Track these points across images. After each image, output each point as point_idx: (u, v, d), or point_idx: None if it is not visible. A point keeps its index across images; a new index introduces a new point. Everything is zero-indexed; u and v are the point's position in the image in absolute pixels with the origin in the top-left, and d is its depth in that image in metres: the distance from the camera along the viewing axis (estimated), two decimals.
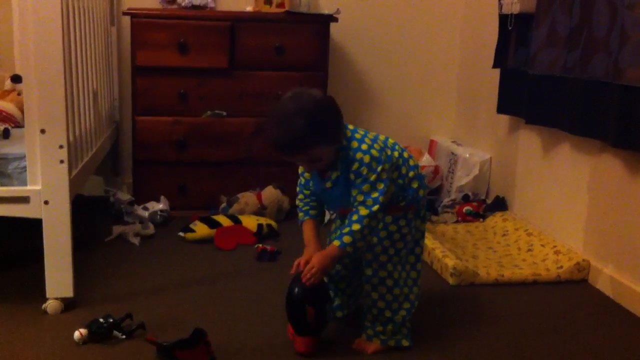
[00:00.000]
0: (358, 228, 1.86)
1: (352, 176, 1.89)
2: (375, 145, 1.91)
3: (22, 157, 2.11)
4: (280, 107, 1.89)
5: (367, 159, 1.88)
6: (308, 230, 2.03)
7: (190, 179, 3.34)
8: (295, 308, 1.94)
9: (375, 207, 1.86)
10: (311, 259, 1.92)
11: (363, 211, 1.86)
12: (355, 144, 1.90)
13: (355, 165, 1.88)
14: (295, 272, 1.94)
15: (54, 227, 2.11)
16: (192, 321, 2.08)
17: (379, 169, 1.88)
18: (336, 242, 1.88)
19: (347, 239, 1.86)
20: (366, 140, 1.91)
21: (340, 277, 2.16)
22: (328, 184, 1.94)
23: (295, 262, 1.96)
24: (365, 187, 1.87)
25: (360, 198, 1.88)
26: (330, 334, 2.07)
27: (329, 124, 1.86)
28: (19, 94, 2.85)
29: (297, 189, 2.08)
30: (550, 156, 2.92)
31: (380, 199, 1.86)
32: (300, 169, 2.06)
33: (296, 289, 1.92)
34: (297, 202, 2.08)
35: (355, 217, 1.87)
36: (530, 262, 2.74)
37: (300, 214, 2.05)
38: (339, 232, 1.91)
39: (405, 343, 2.03)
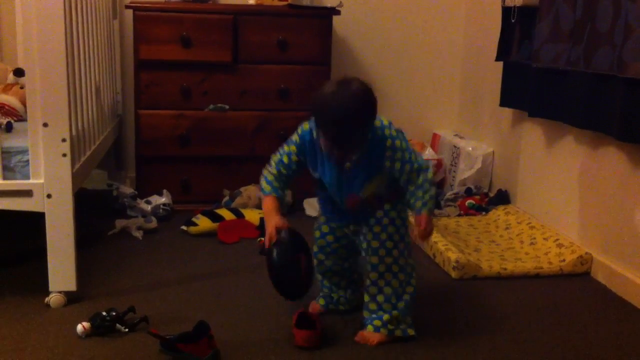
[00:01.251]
0: (434, 192, 1.97)
1: (388, 152, 1.92)
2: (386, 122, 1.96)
3: (24, 151, 2.11)
4: (336, 93, 1.85)
5: (394, 132, 1.94)
6: (272, 202, 1.98)
7: (193, 173, 3.34)
8: (287, 262, 1.92)
9: (430, 170, 1.98)
10: (419, 224, 1.93)
11: (425, 175, 1.96)
12: (378, 123, 1.92)
13: (389, 142, 1.92)
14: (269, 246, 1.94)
15: (56, 221, 2.11)
16: (195, 315, 2.08)
17: (406, 140, 1.96)
18: (425, 212, 1.93)
19: (431, 203, 1.95)
20: (382, 118, 1.95)
21: (333, 272, 2.17)
22: (347, 165, 1.92)
23: (268, 234, 1.94)
24: (410, 156, 1.94)
25: (409, 167, 1.93)
26: (330, 328, 2.08)
27: (375, 110, 1.89)
28: (21, 88, 2.85)
29: (273, 163, 2.01)
30: (554, 149, 2.92)
31: (425, 162, 1.98)
32: (287, 148, 2.00)
33: (280, 247, 1.91)
34: (267, 174, 2.01)
35: (425, 184, 1.95)
36: (532, 256, 2.73)
37: (268, 187, 1.99)
38: (420, 202, 1.93)
39: (411, 332, 2.03)
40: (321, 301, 2.21)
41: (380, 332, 2.01)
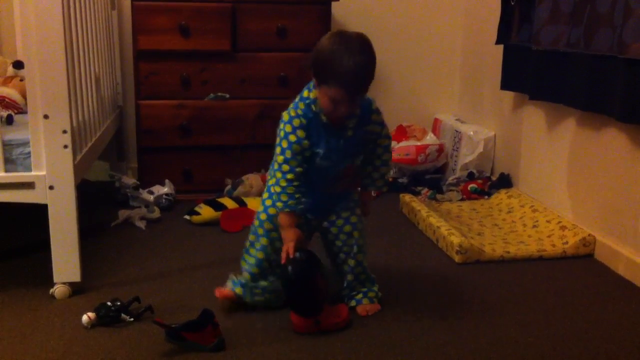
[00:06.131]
0: (388, 171, 2.15)
1: (373, 116, 2.04)
2: None
3: (26, 143, 2.11)
4: (348, 43, 1.86)
5: (377, 106, 2.06)
6: (289, 217, 1.97)
7: (195, 162, 3.34)
8: (304, 283, 1.94)
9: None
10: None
11: (390, 156, 2.14)
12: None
13: (374, 115, 2.04)
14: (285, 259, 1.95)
15: (59, 213, 2.12)
16: (199, 303, 2.08)
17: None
18: (371, 189, 2.15)
19: (381, 183, 2.16)
20: None
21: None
22: (349, 133, 1.98)
23: (285, 249, 1.95)
24: (387, 132, 2.09)
25: (386, 142, 2.10)
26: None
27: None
28: (21, 80, 2.84)
29: (291, 176, 1.95)
30: (555, 132, 2.91)
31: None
32: (295, 137, 1.93)
33: (298, 266, 1.93)
34: (286, 184, 1.95)
35: (385, 165, 2.13)
36: (535, 238, 2.74)
37: (292, 202, 1.95)
38: (370, 180, 2.13)
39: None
40: (238, 290, 2.12)
41: (375, 303, 2.15)
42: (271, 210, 2.06)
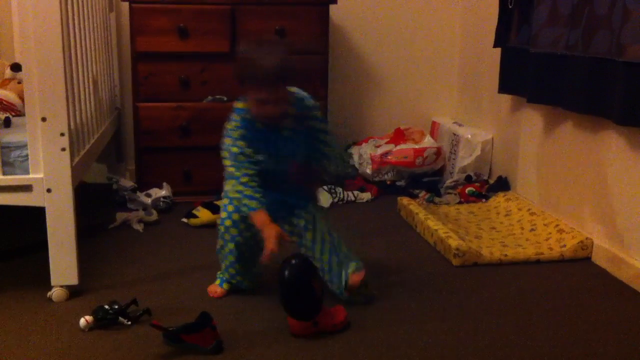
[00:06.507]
0: (339, 152, 2.28)
1: (315, 112, 2.14)
2: None
3: (23, 146, 2.11)
4: (259, 46, 2.03)
5: (315, 103, 2.15)
6: (263, 215, 2.03)
7: (194, 164, 3.34)
8: (302, 290, 1.95)
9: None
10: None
11: (335, 140, 2.27)
12: (294, 90, 2.11)
13: (314, 111, 2.14)
14: (281, 261, 1.98)
15: (57, 215, 2.11)
16: (197, 306, 2.09)
17: None
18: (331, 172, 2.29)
19: (341, 164, 2.31)
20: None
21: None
22: (285, 132, 2.09)
23: (269, 249, 1.97)
24: (326, 126, 2.21)
25: (327, 137, 2.19)
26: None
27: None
28: (19, 83, 2.84)
29: (242, 178, 2.05)
30: (553, 135, 2.91)
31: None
32: (238, 149, 2.05)
33: (293, 271, 1.94)
34: (243, 187, 2.04)
35: (337, 147, 2.28)
36: (533, 242, 2.74)
37: (253, 203, 2.03)
38: (340, 166, 2.26)
39: None
40: (225, 286, 2.27)
41: (360, 271, 2.20)
42: (235, 216, 2.14)
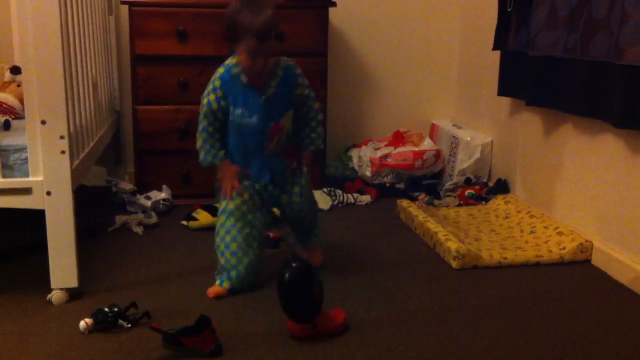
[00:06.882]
0: (322, 131, 2.38)
1: (299, 80, 2.29)
2: None
3: (23, 149, 2.11)
4: (248, 2, 2.12)
5: (301, 71, 2.30)
6: (224, 165, 2.29)
7: (193, 167, 3.33)
8: (301, 292, 1.95)
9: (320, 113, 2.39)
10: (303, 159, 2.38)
11: (320, 115, 2.37)
12: (291, 62, 2.28)
13: (300, 79, 2.29)
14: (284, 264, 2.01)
15: (57, 218, 2.11)
16: (196, 308, 2.09)
17: None
18: (312, 148, 2.36)
19: (319, 142, 2.37)
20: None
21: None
22: (271, 91, 2.22)
23: (229, 186, 2.27)
24: (312, 93, 2.33)
25: (315, 105, 2.34)
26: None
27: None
28: (18, 86, 2.84)
29: (201, 127, 2.25)
30: (552, 137, 2.92)
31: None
32: (205, 100, 2.24)
33: (293, 274, 1.94)
34: (201, 142, 2.26)
35: (319, 125, 2.35)
36: (533, 244, 2.74)
37: (212, 153, 2.26)
38: (309, 140, 2.35)
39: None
40: (226, 284, 2.30)
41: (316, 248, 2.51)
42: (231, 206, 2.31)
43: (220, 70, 2.25)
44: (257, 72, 2.17)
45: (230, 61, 2.24)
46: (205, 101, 2.24)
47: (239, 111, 2.22)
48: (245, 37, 2.10)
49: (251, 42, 2.10)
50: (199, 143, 2.28)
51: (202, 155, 2.28)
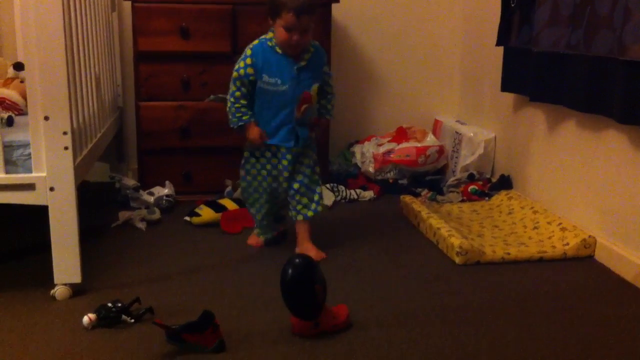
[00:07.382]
0: (334, 103, 2.64)
1: (325, 59, 2.54)
2: None
3: (26, 145, 2.11)
4: None
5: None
6: (249, 126, 2.49)
7: (195, 164, 3.34)
8: (304, 292, 1.95)
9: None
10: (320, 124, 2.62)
11: (333, 89, 2.61)
12: (314, 41, 2.48)
13: (325, 57, 2.55)
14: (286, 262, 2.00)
15: (60, 214, 2.12)
16: (199, 305, 2.08)
17: None
18: (327, 117, 2.63)
19: (333, 112, 2.64)
20: None
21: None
22: (303, 63, 2.43)
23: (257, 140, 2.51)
24: (330, 72, 2.59)
25: (331, 82, 2.58)
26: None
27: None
28: (21, 82, 2.85)
29: (232, 99, 2.46)
30: (556, 133, 2.91)
31: None
32: (237, 66, 2.44)
33: (297, 271, 1.94)
34: (233, 109, 2.47)
35: (333, 97, 2.61)
36: (536, 240, 2.74)
37: (244, 116, 2.47)
38: (325, 110, 2.61)
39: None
40: (261, 236, 2.72)
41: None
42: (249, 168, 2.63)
43: (255, 42, 2.45)
44: (292, 47, 2.37)
45: (265, 36, 2.45)
46: (236, 67, 2.44)
47: (272, 79, 2.42)
48: (285, 13, 2.30)
49: (289, 17, 2.30)
50: (228, 106, 2.50)
51: (229, 117, 2.50)
